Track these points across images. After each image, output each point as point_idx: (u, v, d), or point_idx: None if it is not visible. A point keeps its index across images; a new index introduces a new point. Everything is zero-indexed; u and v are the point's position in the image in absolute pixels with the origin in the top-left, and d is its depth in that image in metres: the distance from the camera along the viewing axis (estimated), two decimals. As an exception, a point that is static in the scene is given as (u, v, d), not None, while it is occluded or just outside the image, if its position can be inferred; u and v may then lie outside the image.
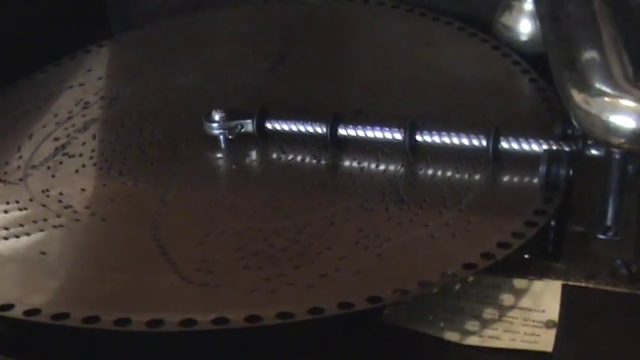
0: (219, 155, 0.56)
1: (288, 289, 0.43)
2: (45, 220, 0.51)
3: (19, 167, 0.57)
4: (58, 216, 0.51)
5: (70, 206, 0.52)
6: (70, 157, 0.58)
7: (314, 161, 0.54)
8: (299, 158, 0.54)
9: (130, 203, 0.52)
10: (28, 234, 0.50)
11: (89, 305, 0.43)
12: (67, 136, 0.60)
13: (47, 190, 0.54)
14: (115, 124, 0.61)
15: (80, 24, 0.77)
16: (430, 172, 0.52)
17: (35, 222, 0.51)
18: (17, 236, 0.50)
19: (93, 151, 0.58)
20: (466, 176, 0.51)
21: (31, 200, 0.53)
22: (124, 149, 0.58)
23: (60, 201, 0.53)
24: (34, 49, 0.71)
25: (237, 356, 0.44)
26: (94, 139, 0.59)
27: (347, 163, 0.53)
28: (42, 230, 0.50)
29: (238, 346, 0.43)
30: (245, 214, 0.50)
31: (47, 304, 0.43)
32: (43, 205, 0.53)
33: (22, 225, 0.51)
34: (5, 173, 0.57)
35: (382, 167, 0.52)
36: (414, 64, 0.63)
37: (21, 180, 0.56)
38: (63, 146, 0.59)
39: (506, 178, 0.50)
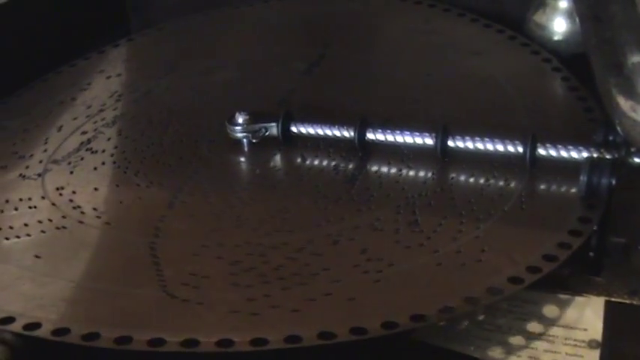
0: (241, 159, 0.54)
1: (271, 312, 0.41)
2: (50, 220, 0.50)
3: (41, 161, 0.56)
4: (64, 217, 0.50)
5: (78, 207, 0.51)
6: (92, 152, 0.56)
7: (334, 171, 0.51)
8: (320, 167, 0.52)
9: (137, 207, 0.51)
10: (29, 235, 0.49)
11: (61, 316, 0.41)
12: (95, 130, 0.59)
13: (62, 188, 0.53)
14: (142, 120, 0.59)
15: (98, 20, 0.76)
16: (461, 181, 0.49)
17: (40, 222, 0.50)
18: (18, 236, 0.49)
19: (115, 147, 0.57)
20: (501, 184, 0.48)
21: (43, 198, 0.52)
22: (146, 148, 0.56)
23: (71, 200, 0.52)
24: (52, 46, 0.70)
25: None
26: (120, 134, 0.58)
27: (368, 176, 0.51)
28: (43, 232, 0.49)
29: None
30: (249, 225, 0.48)
31: (21, 312, 0.42)
32: (53, 204, 0.51)
33: (26, 224, 0.50)
34: (27, 167, 0.56)
35: (405, 182, 0.50)
36: (449, 67, 0.61)
37: (39, 175, 0.54)
38: (89, 140, 0.58)
39: (543, 187, 0.48)
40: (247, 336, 0.39)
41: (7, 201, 0.52)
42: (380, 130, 0.52)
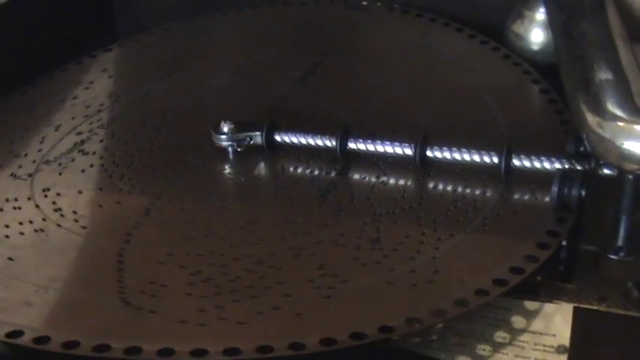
0: (225, 167, 0.56)
1: (218, 323, 0.42)
2: (30, 222, 0.51)
3: (34, 161, 0.58)
4: (44, 219, 0.52)
5: (59, 209, 0.52)
6: (84, 154, 0.58)
7: (309, 184, 0.52)
8: (297, 178, 0.53)
9: (115, 212, 0.52)
10: (7, 236, 0.51)
11: (18, 319, 0.43)
12: (90, 131, 0.60)
13: (47, 190, 0.54)
14: (136, 123, 0.61)
15: (87, 25, 0.77)
16: (433, 197, 0.50)
17: (21, 223, 0.51)
18: None
19: (106, 150, 0.58)
20: (477, 194, 0.50)
21: (28, 199, 0.54)
22: (135, 152, 0.57)
23: (54, 202, 0.53)
24: (43, 50, 0.71)
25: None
26: (112, 137, 0.59)
27: (341, 190, 0.52)
28: (22, 234, 0.51)
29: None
30: (217, 235, 0.49)
31: None
32: (37, 206, 0.53)
33: (7, 226, 0.51)
34: (20, 167, 0.57)
35: (376, 198, 0.50)
36: (437, 80, 0.62)
37: (30, 176, 0.56)
38: (82, 142, 0.59)
39: (517, 197, 0.50)
40: (189, 346, 0.40)
41: None
42: (361, 140, 0.53)
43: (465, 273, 0.44)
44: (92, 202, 0.54)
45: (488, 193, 0.50)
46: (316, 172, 0.53)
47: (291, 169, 0.54)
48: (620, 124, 0.42)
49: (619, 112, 0.42)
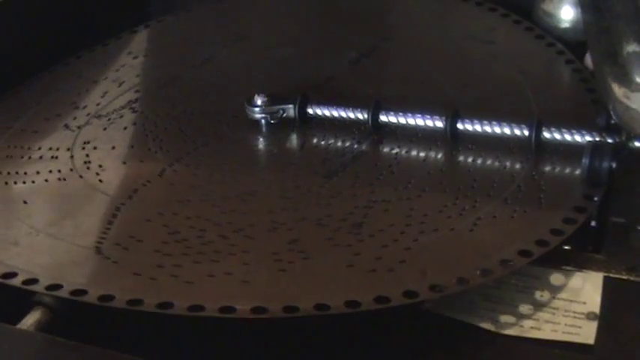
0: (256, 138, 0.57)
1: (167, 280, 0.44)
2: (59, 171, 0.54)
3: (88, 114, 0.60)
4: (71, 169, 0.54)
5: (89, 162, 0.55)
6: (133, 112, 0.60)
7: (322, 162, 0.53)
8: (312, 153, 0.54)
9: (134, 169, 0.55)
10: (33, 182, 0.53)
11: (8, 262, 0.46)
12: (146, 90, 0.62)
13: (87, 143, 0.57)
14: (189, 88, 0.62)
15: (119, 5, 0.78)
16: (468, 163, 0.51)
17: (50, 172, 0.54)
18: (24, 182, 0.53)
19: (153, 111, 0.60)
20: (506, 166, 0.51)
21: (67, 150, 0.56)
22: (176, 115, 0.59)
23: (87, 155, 0.56)
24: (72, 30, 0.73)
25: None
26: (162, 99, 0.61)
27: (349, 172, 0.52)
28: (46, 181, 0.53)
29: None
30: (211, 201, 0.51)
31: None
32: (71, 157, 0.55)
33: (38, 172, 0.54)
34: (74, 119, 0.60)
35: (377, 185, 0.50)
36: (461, 55, 0.63)
37: (79, 128, 0.59)
38: (136, 100, 0.61)
39: (548, 169, 0.50)
40: (128, 296, 0.42)
41: (39, 148, 0.57)
42: (392, 113, 0.54)
43: (489, 244, 0.45)
44: (119, 158, 0.56)
45: (518, 166, 0.51)
46: (333, 150, 0.54)
47: (322, 142, 0.55)
48: (649, 94, 0.43)
49: (647, 84, 0.43)
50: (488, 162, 0.51)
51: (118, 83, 0.63)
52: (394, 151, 0.53)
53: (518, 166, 0.51)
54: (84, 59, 0.69)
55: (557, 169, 0.50)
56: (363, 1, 0.72)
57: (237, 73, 0.64)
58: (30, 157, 0.56)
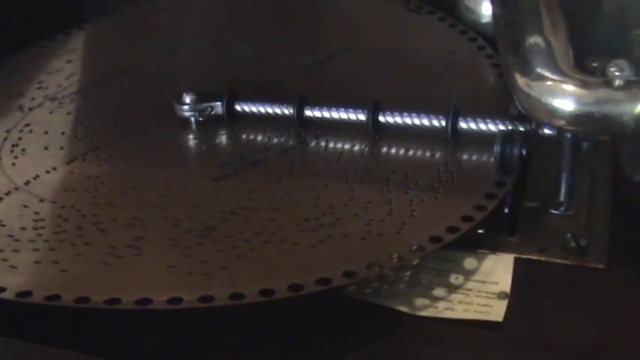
0: (181, 135, 0.58)
1: (103, 269, 0.46)
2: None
3: (45, 96, 0.64)
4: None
5: (16, 145, 0.58)
6: (84, 98, 0.63)
7: (240, 157, 0.55)
8: (227, 146, 0.56)
9: (45, 157, 0.57)
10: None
11: None
12: (95, 81, 0.65)
13: (28, 125, 0.60)
14: (138, 82, 0.64)
15: (55, 8, 0.79)
16: (391, 153, 0.53)
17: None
18: None
19: (99, 101, 0.62)
20: (425, 156, 0.53)
21: (7, 131, 0.60)
22: (118, 107, 0.61)
23: (19, 138, 0.59)
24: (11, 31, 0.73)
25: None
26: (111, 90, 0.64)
27: (265, 168, 0.54)
28: None
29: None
30: (94, 193, 0.53)
31: None
32: (5, 139, 0.59)
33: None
34: (32, 99, 0.64)
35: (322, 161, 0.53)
36: (378, 42, 0.65)
37: (31, 109, 0.62)
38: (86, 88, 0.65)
39: (464, 157, 0.53)
40: (73, 292, 0.44)
41: None
42: (317, 108, 0.56)
43: (403, 231, 0.47)
44: (44, 143, 0.58)
45: (436, 156, 0.53)
46: (271, 142, 0.56)
47: (243, 138, 0.57)
48: (547, 83, 0.45)
49: (545, 73, 0.45)
50: (408, 153, 0.53)
51: (68, 74, 0.66)
52: (317, 145, 0.55)
53: (436, 155, 0.53)
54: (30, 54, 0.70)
55: (474, 158, 0.52)
56: (337, 6, 0.73)
57: (188, 73, 0.65)
58: None
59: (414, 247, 0.45)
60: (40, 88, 0.65)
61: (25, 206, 0.52)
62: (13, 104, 0.63)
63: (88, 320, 0.45)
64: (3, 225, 0.50)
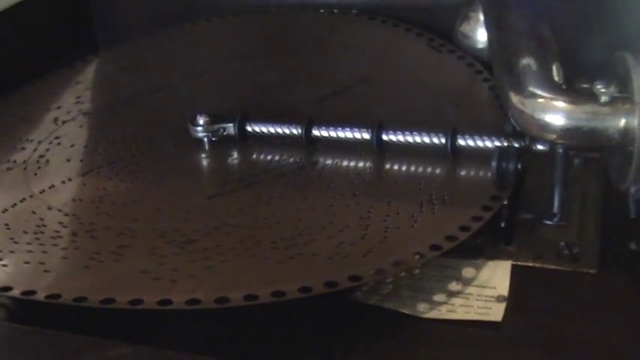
0: (194, 154, 0.61)
1: (82, 271, 0.49)
2: (14, 161, 0.62)
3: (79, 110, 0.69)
4: (25, 161, 0.62)
5: (42, 156, 0.62)
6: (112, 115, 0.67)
7: (242, 178, 0.58)
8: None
9: (65, 168, 0.60)
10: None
11: None
12: (118, 103, 0.69)
13: (57, 138, 0.64)
14: (159, 106, 0.68)
15: (67, 36, 0.82)
16: (392, 169, 0.57)
17: (14, 161, 0.62)
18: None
19: (122, 121, 0.66)
20: (426, 172, 0.56)
21: (39, 142, 0.64)
22: (138, 126, 0.65)
23: (47, 150, 0.63)
24: (26, 59, 0.77)
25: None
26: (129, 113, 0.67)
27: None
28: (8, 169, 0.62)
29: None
30: (97, 203, 0.56)
31: None
32: (35, 150, 0.63)
33: (8, 160, 0.62)
34: (68, 112, 0.68)
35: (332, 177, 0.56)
36: (389, 72, 0.68)
37: (64, 122, 0.66)
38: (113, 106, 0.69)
39: (463, 173, 0.56)
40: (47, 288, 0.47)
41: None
42: (324, 128, 0.59)
43: (406, 240, 0.50)
44: (68, 155, 0.62)
45: (436, 171, 0.56)
46: (271, 165, 0.59)
47: (253, 158, 0.60)
48: (539, 100, 0.49)
49: (537, 91, 0.49)
50: (410, 168, 0.57)
51: (101, 90, 0.70)
52: (314, 171, 0.58)
53: (436, 171, 0.56)
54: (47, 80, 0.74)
55: (472, 173, 0.56)
56: (363, 39, 0.75)
57: (209, 96, 0.68)
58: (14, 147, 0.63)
59: (414, 253, 0.48)
60: (77, 102, 0.69)
61: (34, 212, 0.56)
62: (50, 117, 0.67)
63: (62, 316, 0.47)
64: (9, 228, 0.54)
